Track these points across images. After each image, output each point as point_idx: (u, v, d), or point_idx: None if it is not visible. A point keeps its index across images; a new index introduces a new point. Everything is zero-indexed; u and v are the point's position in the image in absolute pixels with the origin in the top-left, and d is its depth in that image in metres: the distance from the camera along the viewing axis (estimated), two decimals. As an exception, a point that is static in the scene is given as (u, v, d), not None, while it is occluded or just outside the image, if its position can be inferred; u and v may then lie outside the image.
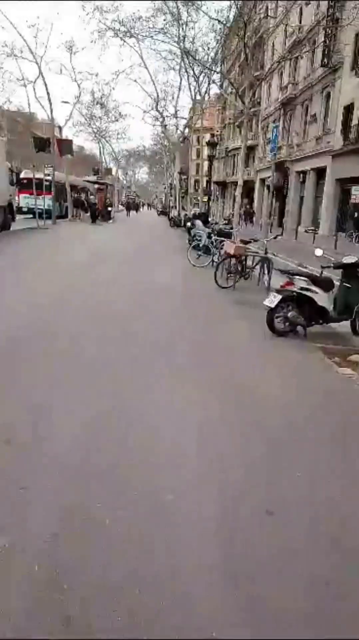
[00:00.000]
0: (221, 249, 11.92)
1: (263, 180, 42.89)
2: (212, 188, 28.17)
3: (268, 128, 43.02)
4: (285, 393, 4.40)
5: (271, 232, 29.73)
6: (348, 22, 24.23)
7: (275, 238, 10.29)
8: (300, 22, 32.12)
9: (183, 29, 22.20)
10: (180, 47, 24.26)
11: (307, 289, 5.86)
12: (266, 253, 9.79)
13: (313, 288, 5.89)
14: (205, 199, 40.21)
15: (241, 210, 22.07)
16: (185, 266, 12.47)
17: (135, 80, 29.49)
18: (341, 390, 4.57)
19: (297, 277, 5.93)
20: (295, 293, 5.90)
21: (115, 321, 6.51)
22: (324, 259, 6.42)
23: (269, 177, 40.49)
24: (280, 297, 5.80)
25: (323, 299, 5.93)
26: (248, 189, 40.12)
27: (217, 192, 59.31)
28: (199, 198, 46.82)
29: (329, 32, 27.17)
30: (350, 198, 26.85)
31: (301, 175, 33.60)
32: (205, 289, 9.51)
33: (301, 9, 32.17)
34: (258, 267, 9.93)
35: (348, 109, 26.57)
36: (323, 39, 27.79)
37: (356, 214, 25.01)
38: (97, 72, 44.35)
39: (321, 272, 6.32)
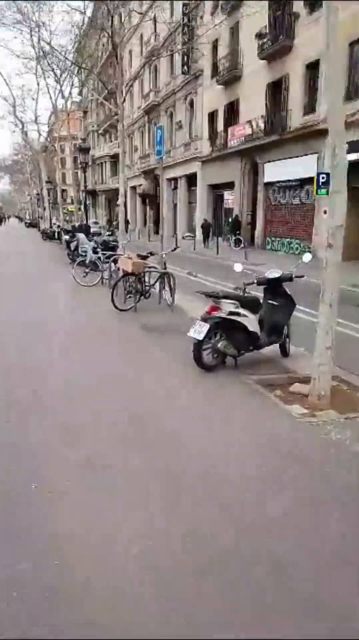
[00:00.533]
0: (110, 263, 10.83)
1: (134, 188, 42.44)
2: (85, 197, 26.63)
3: (134, 135, 42.75)
4: (240, 457, 3.48)
5: (149, 240, 29.35)
6: (202, 32, 24.76)
7: (173, 250, 9.45)
8: (155, 31, 32.06)
9: (37, 29, 20.49)
10: (35, 48, 22.59)
11: (236, 314, 5.04)
12: (165, 267, 8.89)
13: (243, 312, 5.08)
14: (72, 207, 38.30)
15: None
16: (71, 286, 11.07)
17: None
18: (303, 440, 3.78)
19: (224, 300, 5.06)
20: (222, 319, 5.04)
21: None
22: (246, 275, 5.68)
23: (140, 185, 40.30)
24: (207, 326, 4.88)
25: (253, 323, 5.16)
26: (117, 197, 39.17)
27: (88, 201, 57.65)
28: (69, 208, 44.84)
29: (186, 40, 27.44)
30: (223, 203, 27.68)
31: (173, 182, 33.66)
32: (102, 313, 8.30)
33: (154, 16, 32.10)
34: (157, 283, 9.00)
35: (212, 116, 27.11)
36: (179, 53, 27.96)
37: (230, 219, 25.53)
38: None
39: (244, 291, 5.56)
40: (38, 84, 28.47)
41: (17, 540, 2.51)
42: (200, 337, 4.86)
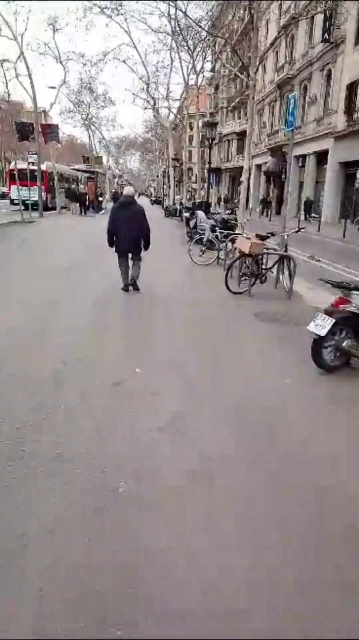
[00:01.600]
0: (227, 243, 10.33)
1: (258, 167, 41.07)
2: (209, 175, 26.27)
3: (263, 111, 41.10)
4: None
5: (270, 220, 28.16)
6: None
7: (297, 232, 8.64)
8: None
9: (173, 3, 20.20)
10: (170, 21, 22.42)
11: (371, 309, 4.28)
12: (286, 250, 8.16)
13: (378, 307, 4.29)
14: (195, 185, 38.11)
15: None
16: (187, 265, 10.81)
17: (124, 61, 27.22)
18: None
19: (355, 292, 4.31)
20: (351, 314, 4.31)
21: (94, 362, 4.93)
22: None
23: (265, 163, 38.77)
24: (332, 321, 4.20)
25: (390, 321, 4.35)
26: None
27: (212, 180, 57.35)
28: (193, 186, 44.90)
29: (330, 3, 25.22)
30: (355, 182, 25.42)
31: (301, 159, 31.78)
32: (214, 295, 7.88)
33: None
34: (276, 266, 8.31)
35: (352, 87, 24.79)
36: (322, 13, 25.81)
37: (361, 200, 23.41)
38: (84, 52, 41.80)
39: (380, 282, 4.71)
40: (172, 60, 28.44)
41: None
42: (322, 332, 4.19)
